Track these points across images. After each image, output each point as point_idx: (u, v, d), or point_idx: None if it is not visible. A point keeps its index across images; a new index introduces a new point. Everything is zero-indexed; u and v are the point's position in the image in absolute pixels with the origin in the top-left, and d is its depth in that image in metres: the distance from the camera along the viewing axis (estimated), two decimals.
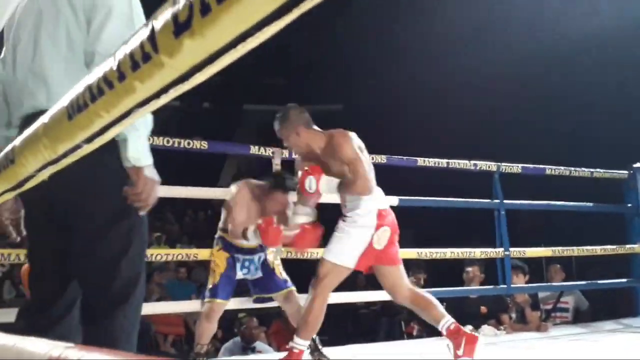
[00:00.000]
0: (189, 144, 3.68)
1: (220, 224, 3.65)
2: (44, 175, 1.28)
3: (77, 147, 1.04)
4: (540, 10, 9.58)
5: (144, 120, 1.66)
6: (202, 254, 3.96)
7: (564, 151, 7.55)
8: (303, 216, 3.20)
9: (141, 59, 0.75)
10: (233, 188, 3.56)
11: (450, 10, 9.94)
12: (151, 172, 1.67)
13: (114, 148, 1.64)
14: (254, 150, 4.00)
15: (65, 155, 1.10)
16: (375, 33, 11.04)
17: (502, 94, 9.34)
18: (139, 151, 1.65)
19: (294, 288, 3.65)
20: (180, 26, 0.67)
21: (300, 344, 3.14)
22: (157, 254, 4.03)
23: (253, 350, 5.16)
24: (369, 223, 3.14)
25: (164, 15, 0.70)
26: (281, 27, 0.61)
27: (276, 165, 4.00)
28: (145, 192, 1.65)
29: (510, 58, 9.31)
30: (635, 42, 8.45)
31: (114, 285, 1.67)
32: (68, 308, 1.80)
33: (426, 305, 3.24)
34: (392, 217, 3.26)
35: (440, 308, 3.25)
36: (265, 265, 3.64)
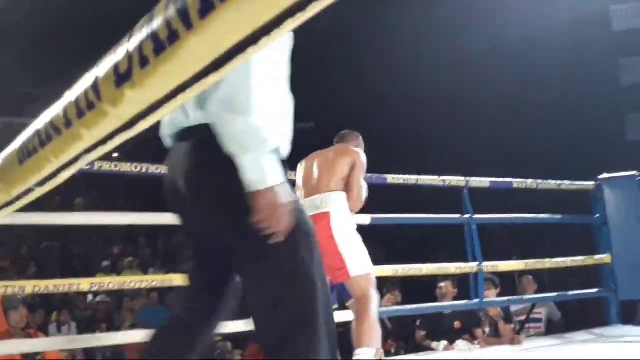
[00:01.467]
0: (157, 169, 3.66)
1: None
2: (2, 216, 1.27)
3: (30, 190, 1.04)
4: (508, 25, 9.76)
5: (256, 140, 1.55)
6: (178, 279, 3.90)
7: (533, 164, 7.67)
8: None
9: (86, 107, 0.76)
10: None
11: (418, 27, 10.08)
12: (277, 194, 1.55)
13: None
14: None
15: (18, 198, 1.10)
16: (345, 51, 11.14)
17: (473, 109, 9.48)
18: (256, 174, 1.54)
19: None
20: (121, 77, 0.68)
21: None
22: (131, 281, 3.98)
23: None
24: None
25: (106, 65, 0.71)
26: (218, 78, 0.62)
27: None
28: (268, 217, 1.54)
29: (480, 72, 9.46)
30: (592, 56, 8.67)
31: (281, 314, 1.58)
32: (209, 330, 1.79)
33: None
34: None
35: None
36: None
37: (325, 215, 3.08)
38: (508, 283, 6.36)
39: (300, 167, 3.37)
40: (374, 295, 3.10)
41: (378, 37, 10.37)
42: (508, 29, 9.42)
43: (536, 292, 6.26)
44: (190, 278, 1.84)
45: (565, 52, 9.48)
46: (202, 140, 1.63)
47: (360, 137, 3.55)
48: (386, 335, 4.89)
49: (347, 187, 3.20)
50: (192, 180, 1.65)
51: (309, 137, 6.57)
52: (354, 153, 3.29)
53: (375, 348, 3.00)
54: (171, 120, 1.75)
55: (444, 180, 4.90)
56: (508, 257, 5.71)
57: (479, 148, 9.17)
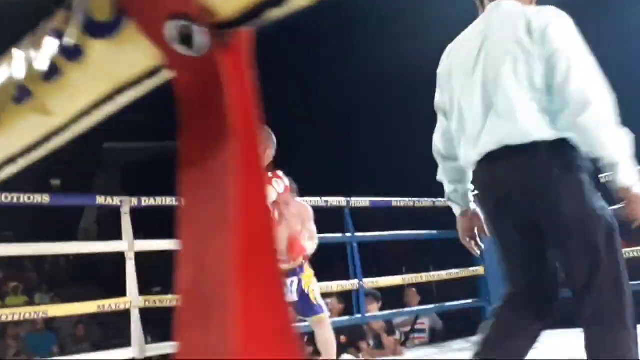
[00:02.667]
0: (29, 198, 3.60)
1: None
2: None
3: None
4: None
5: (620, 144, 1.89)
6: (65, 309, 3.88)
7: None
8: None
9: None
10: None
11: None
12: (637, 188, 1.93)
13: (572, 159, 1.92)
14: (100, 200, 3.97)
15: None
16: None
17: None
18: (625, 174, 1.89)
19: (325, 315, 3.78)
20: None
21: None
22: (14, 313, 3.84)
23: None
24: None
25: None
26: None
27: (125, 214, 3.99)
28: (634, 208, 1.92)
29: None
30: None
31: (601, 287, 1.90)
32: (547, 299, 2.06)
33: None
34: None
35: None
36: (301, 290, 3.73)
37: None
38: (397, 296, 6.60)
39: None
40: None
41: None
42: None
43: (423, 304, 6.54)
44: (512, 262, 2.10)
45: None
46: (548, 151, 1.94)
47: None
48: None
49: None
50: (541, 186, 1.95)
51: None
52: None
53: None
54: (489, 140, 1.99)
55: (326, 201, 5.06)
56: (399, 272, 6.03)
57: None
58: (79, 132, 0.72)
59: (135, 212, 4.11)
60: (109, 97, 0.65)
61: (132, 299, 3.86)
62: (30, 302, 8.37)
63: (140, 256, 4.25)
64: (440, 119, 2.20)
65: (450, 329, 6.60)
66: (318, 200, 5.04)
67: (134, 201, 4.05)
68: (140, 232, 4.11)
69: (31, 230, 9.63)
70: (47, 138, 0.70)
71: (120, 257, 4.14)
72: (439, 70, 2.20)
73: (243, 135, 0.50)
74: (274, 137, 3.36)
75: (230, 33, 0.52)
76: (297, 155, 10.15)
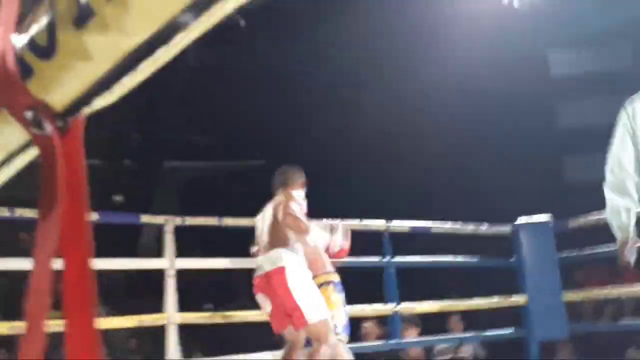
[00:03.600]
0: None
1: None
2: None
3: None
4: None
5: None
6: (107, 322, 4.06)
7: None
8: None
9: None
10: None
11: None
12: None
13: None
14: (144, 219, 4.18)
15: None
16: (297, 88, 11.47)
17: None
18: None
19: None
20: None
21: None
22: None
23: None
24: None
25: None
26: None
27: (168, 232, 4.17)
28: None
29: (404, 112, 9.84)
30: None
31: None
32: None
33: None
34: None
35: None
36: None
37: (281, 270, 3.42)
38: (440, 323, 6.58)
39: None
40: (330, 339, 3.40)
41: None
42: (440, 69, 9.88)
43: (466, 331, 6.46)
44: None
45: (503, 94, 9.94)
46: None
47: (297, 173, 3.84)
48: None
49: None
50: None
51: (259, 174, 6.77)
52: (279, 203, 3.60)
53: None
54: None
55: (365, 225, 5.13)
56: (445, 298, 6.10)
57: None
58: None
59: (190, 230, 4.33)
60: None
61: (169, 316, 4.03)
62: None
63: (194, 273, 4.45)
64: None
65: (494, 359, 6.53)
66: (357, 224, 5.08)
67: (178, 220, 4.23)
68: (197, 249, 4.29)
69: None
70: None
71: (181, 273, 4.25)
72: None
73: (68, 202, 0.68)
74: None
75: (68, 120, 0.72)
76: (336, 176, 10.31)
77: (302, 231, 3.49)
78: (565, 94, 11.69)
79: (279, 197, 3.65)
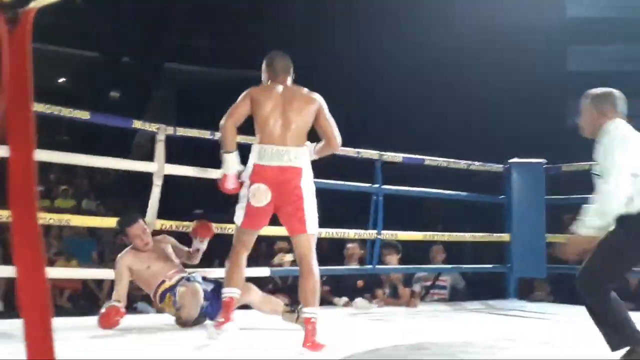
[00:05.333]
0: (70, 112, 3.81)
1: None
2: None
3: None
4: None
5: None
6: (89, 221, 4.12)
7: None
8: None
9: None
10: None
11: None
12: None
13: None
14: (137, 124, 4.15)
15: None
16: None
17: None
18: None
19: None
20: None
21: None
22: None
23: (135, 310, 5.37)
24: (245, 178, 3.24)
25: None
26: None
27: (160, 141, 4.14)
28: None
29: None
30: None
31: None
32: None
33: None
34: (273, 174, 3.19)
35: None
36: None
37: (297, 170, 3.20)
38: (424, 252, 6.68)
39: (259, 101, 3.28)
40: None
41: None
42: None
43: (450, 263, 6.55)
44: None
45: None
46: None
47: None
48: (275, 290, 5.17)
49: (322, 133, 3.33)
50: None
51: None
52: (314, 100, 3.31)
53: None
54: None
55: (358, 152, 5.12)
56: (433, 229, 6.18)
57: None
58: None
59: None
60: None
61: (149, 222, 4.07)
62: (78, 207, 8.82)
63: (189, 180, 4.46)
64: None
65: (473, 291, 6.67)
66: (351, 151, 5.06)
67: (170, 130, 4.21)
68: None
69: (86, 135, 10.03)
70: None
71: (168, 179, 4.23)
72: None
73: (11, 91, 0.71)
74: None
75: (18, 11, 0.74)
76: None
77: (337, 146, 3.41)
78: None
79: (313, 96, 3.33)
